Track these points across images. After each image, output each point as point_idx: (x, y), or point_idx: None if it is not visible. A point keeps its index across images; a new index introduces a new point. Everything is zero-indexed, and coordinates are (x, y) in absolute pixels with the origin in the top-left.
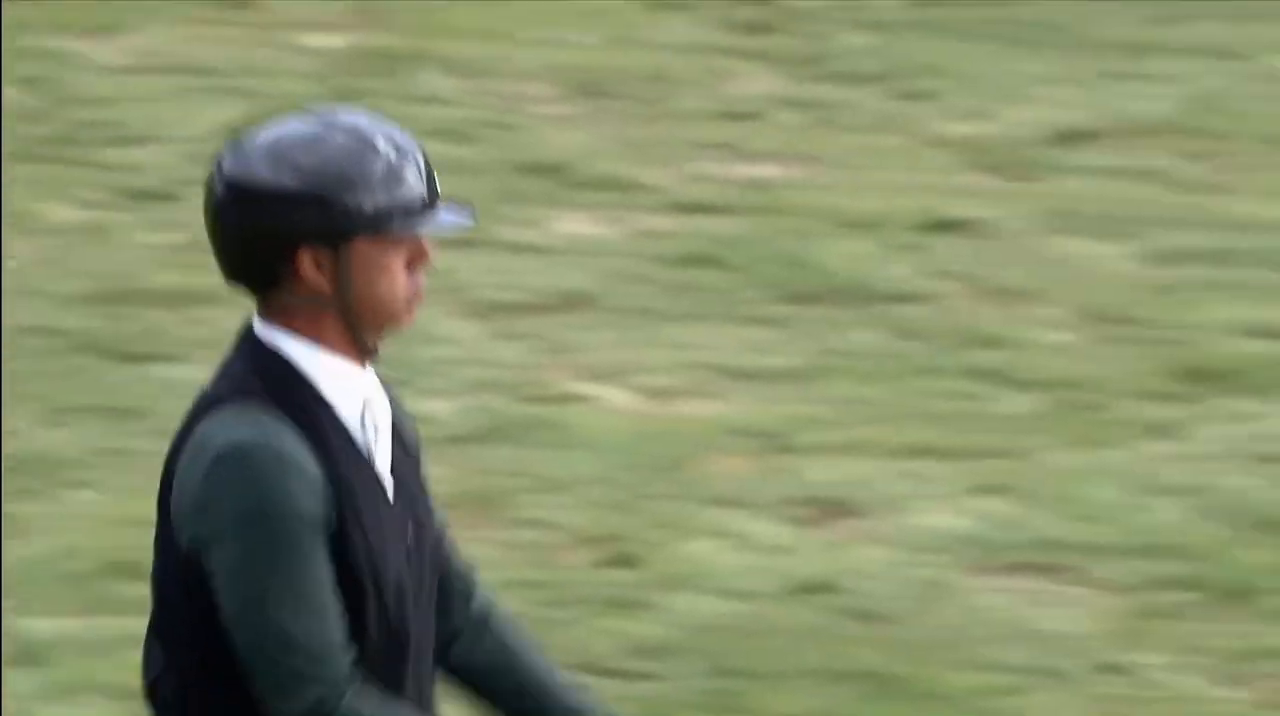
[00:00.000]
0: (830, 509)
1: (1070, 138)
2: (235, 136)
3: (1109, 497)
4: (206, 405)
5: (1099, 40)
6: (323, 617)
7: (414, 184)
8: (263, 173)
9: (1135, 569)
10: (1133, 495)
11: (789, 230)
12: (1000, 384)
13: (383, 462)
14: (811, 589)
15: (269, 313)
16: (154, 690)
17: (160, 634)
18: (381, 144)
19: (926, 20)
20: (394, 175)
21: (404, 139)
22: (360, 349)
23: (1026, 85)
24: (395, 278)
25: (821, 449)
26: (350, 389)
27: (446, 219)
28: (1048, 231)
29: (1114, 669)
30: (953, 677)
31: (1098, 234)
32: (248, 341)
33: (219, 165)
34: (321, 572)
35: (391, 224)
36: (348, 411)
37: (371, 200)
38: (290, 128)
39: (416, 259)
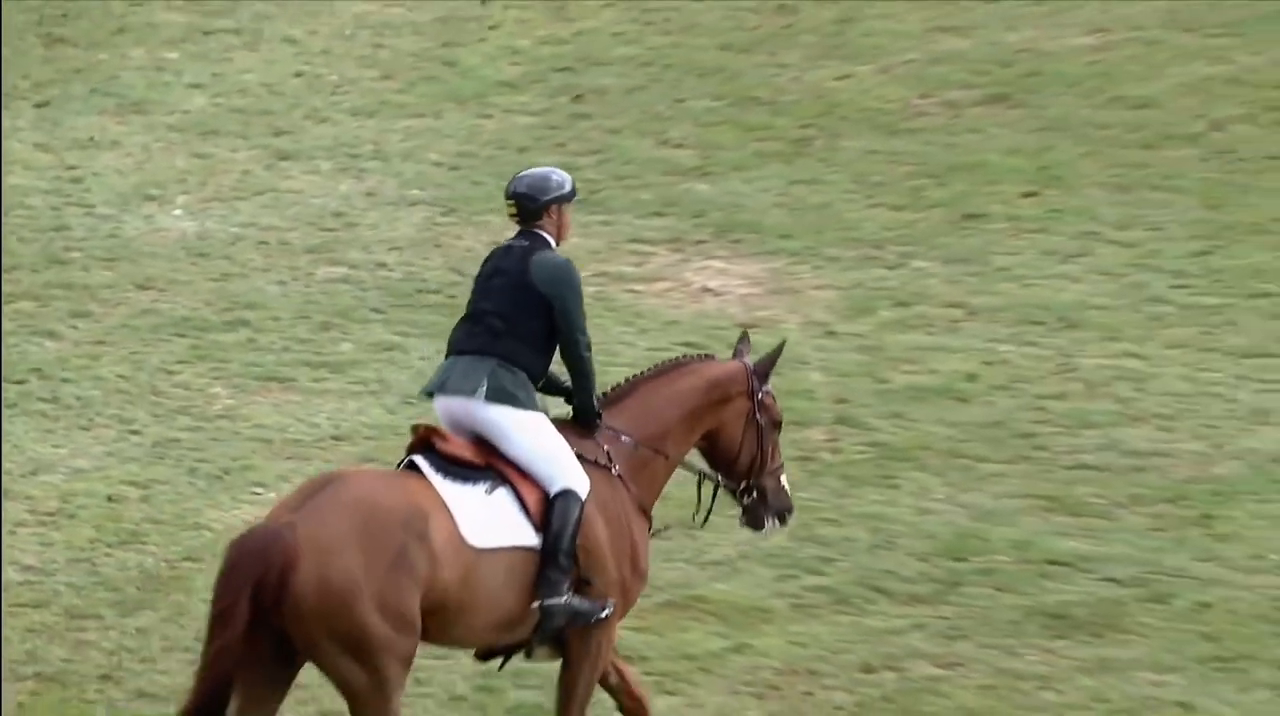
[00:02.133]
0: None
1: None
2: (522, 171)
3: None
4: (530, 250)
5: None
6: (587, 326)
7: (571, 184)
8: (535, 186)
9: None
10: None
11: None
12: None
13: None
14: None
15: (534, 226)
16: (497, 342)
17: (497, 334)
18: (557, 171)
19: None
20: (567, 179)
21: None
22: (561, 241)
23: None
24: (570, 215)
25: None
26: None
27: (575, 196)
28: None
29: None
30: None
31: None
32: (527, 235)
33: (515, 185)
34: None
35: (572, 198)
36: None
37: (567, 190)
38: (535, 169)
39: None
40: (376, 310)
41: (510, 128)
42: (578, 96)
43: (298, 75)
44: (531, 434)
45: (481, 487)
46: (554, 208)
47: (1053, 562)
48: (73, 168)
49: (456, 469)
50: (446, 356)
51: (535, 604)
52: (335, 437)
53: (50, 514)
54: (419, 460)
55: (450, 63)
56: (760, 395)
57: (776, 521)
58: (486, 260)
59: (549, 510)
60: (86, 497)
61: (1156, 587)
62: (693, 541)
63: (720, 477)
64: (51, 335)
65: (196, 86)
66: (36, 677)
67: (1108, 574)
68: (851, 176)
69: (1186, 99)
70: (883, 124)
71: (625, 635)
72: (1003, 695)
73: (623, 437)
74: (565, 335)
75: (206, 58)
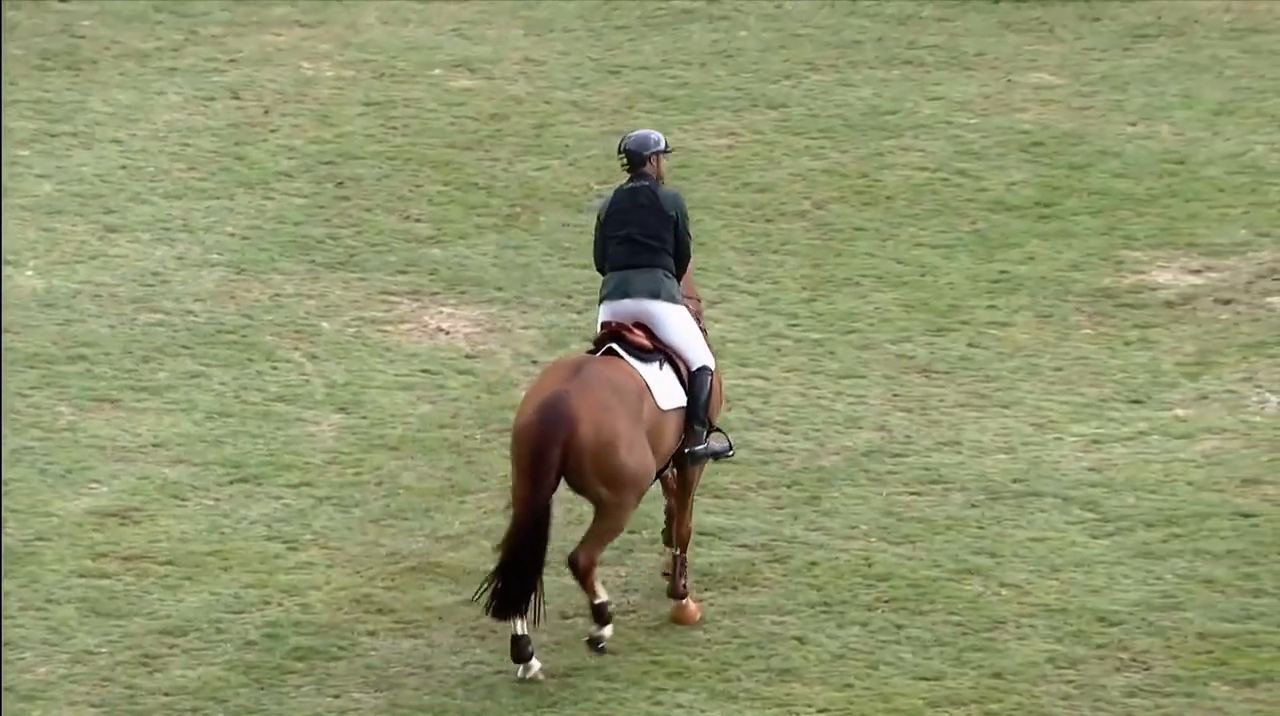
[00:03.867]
0: None
1: None
2: (630, 132)
3: None
4: (654, 187)
5: None
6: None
7: (665, 140)
8: (640, 142)
9: None
10: None
11: None
12: None
13: None
14: None
15: (641, 173)
16: (655, 257)
17: (655, 250)
18: (654, 132)
19: None
20: (662, 137)
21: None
22: (660, 180)
23: None
24: (665, 163)
25: None
26: None
27: (669, 150)
28: None
29: None
30: None
31: None
32: (642, 177)
33: (625, 143)
34: None
35: (666, 151)
36: None
37: (662, 146)
38: (639, 131)
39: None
40: (185, 347)
41: (287, 207)
42: (339, 183)
43: (123, 168)
44: (682, 323)
45: (656, 365)
46: (653, 158)
47: (702, 533)
48: None
49: (640, 353)
50: (613, 270)
51: (685, 450)
52: (155, 445)
53: None
54: (616, 347)
55: (240, 157)
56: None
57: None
58: (615, 200)
59: (692, 380)
60: None
61: (777, 551)
62: (430, 520)
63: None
64: None
65: (44, 177)
66: None
67: (741, 541)
68: (549, 243)
69: (796, 185)
70: (571, 203)
71: (377, 592)
72: (664, 633)
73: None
74: (682, 239)
75: (52, 154)
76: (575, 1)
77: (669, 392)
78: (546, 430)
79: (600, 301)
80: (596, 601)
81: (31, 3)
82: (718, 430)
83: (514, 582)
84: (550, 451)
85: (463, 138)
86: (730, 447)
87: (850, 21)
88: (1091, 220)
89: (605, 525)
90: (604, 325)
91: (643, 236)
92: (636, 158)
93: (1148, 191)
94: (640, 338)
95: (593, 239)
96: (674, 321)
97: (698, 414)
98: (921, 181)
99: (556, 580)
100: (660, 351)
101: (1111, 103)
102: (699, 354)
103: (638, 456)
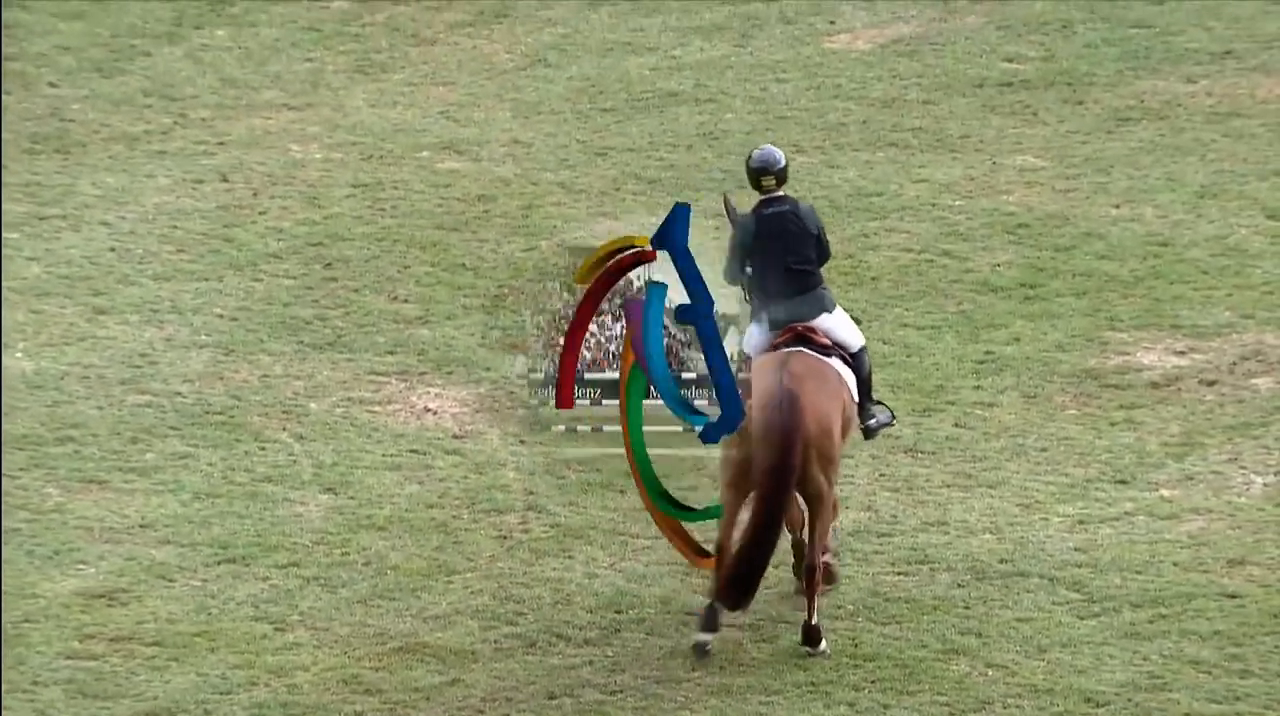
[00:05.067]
0: None
1: None
2: (758, 147)
3: None
4: (794, 203)
5: None
6: None
7: None
8: (778, 158)
9: None
10: None
11: None
12: None
13: None
14: None
15: (780, 196)
16: (811, 279)
17: (810, 273)
18: (774, 147)
19: None
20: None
21: None
22: None
23: None
24: None
25: None
26: None
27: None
28: None
29: None
30: None
31: None
32: (783, 200)
33: (768, 165)
34: None
35: None
36: None
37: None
38: (764, 148)
39: None
40: (173, 428)
41: (276, 288)
42: (328, 264)
43: (111, 250)
44: (844, 322)
45: (837, 360)
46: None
47: (688, 613)
48: None
49: (823, 349)
50: (776, 299)
51: (863, 425)
52: (142, 526)
53: None
54: (804, 348)
55: (229, 239)
56: None
57: None
58: (761, 228)
59: (857, 360)
60: None
61: (765, 631)
62: (417, 600)
63: None
64: None
65: (33, 259)
66: None
67: (729, 621)
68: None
69: None
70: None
71: (365, 672)
72: (652, 713)
73: None
74: (825, 247)
75: (41, 237)
76: (562, 84)
77: (853, 385)
78: (795, 423)
79: (766, 326)
80: (813, 621)
81: (21, 87)
82: (878, 402)
83: (751, 571)
84: (796, 440)
85: (450, 219)
86: (893, 416)
87: (835, 104)
88: (1076, 301)
89: (824, 519)
90: (787, 329)
91: (798, 264)
92: (781, 175)
93: (1132, 273)
94: (822, 338)
95: (729, 252)
96: (839, 323)
97: (868, 391)
98: (907, 262)
99: (542, 660)
100: (834, 347)
101: (1096, 185)
102: (856, 339)
103: (840, 443)
